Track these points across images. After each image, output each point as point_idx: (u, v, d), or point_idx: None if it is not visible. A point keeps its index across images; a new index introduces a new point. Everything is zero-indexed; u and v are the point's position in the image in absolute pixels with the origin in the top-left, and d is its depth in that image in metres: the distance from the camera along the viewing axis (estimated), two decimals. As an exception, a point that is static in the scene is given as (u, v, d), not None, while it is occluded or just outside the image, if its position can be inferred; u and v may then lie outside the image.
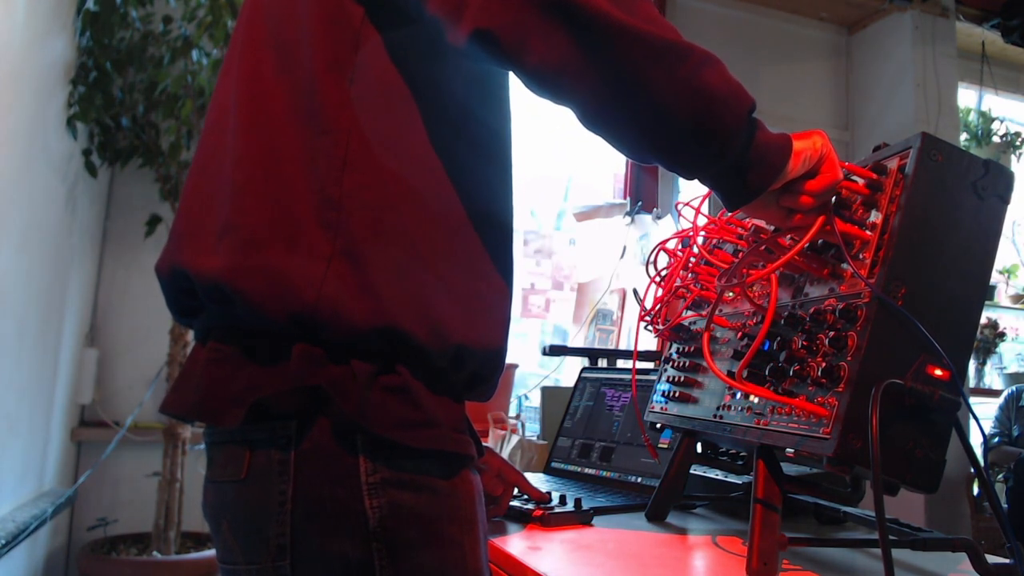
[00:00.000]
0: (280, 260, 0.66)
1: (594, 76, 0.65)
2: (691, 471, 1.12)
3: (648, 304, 1.11)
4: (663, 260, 1.08)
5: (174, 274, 0.73)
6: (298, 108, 0.70)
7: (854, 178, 0.84)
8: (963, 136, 3.52)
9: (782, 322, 0.86)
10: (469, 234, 0.74)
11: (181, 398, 0.72)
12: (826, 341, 0.79)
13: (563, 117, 0.72)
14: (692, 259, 1.03)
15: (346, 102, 0.69)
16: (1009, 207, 0.84)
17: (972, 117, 3.59)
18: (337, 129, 0.69)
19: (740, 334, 0.96)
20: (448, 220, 0.73)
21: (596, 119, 0.70)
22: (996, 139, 3.55)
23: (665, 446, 1.26)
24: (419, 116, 0.72)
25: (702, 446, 1.17)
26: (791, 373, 0.81)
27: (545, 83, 0.67)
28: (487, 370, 0.76)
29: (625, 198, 2.88)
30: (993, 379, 3.79)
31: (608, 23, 0.63)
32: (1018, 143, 3.57)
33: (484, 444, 0.92)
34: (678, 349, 1.10)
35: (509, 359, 0.87)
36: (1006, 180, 0.83)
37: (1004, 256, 3.90)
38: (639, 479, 1.29)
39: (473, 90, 0.76)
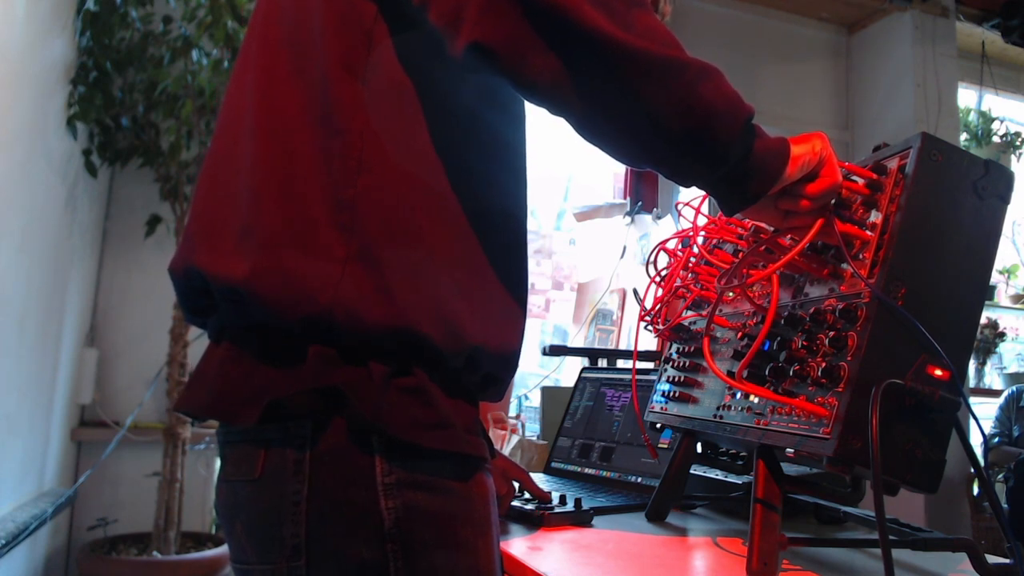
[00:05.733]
0: (295, 262, 0.67)
1: (588, 92, 0.66)
2: (691, 471, 1.12)
3: (648, 304, 1.11)
4: (663, 260, 1.08)
5: (188, 274, 0.73)
6: (312, 109, 0.70)
7: (854, 178, 0.84)
8: (963, 136, 3.52)
9: (782, 322, 0.86)
10: (482, 236, 0.74)
11: (195, 397, 0.72)
12: (826, 341, 0.79)
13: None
14: (692, 259, 1.03)
15: (359, 103, 0.69)
16: (1009, 207, 0.84)
17: (972, 117, 3.58)
18: (350, 130, 0.69)
19: (740, 334, 0.96)
20: (461, 222, 0.73)
21: (591, 132, 0.70)
22: (996, 139, 3.54)
23: (665, 446, 1.26)
24: (430, 119, 0.72)
25: (702, 446, 1.16)
26: (791, 373, 0.81)
27: (540, 96, 0.67)
28: (501, 371, 0.77)
29: (625, 198, 2.88)
30: (993, 379, 3.79)
31: (602, 40, 0.63)
32: (1018, 143, 3.56)
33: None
34: (678, 349, 1.10)
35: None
36: (1006, 180, 0.83)
37: (1004, 256, 3.90)
38: (639, 479, 1.29)
39: (483, 96, 0.77)
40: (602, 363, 1.75)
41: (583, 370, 1.57)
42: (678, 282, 1.06)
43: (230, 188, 0.74)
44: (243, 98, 0.77)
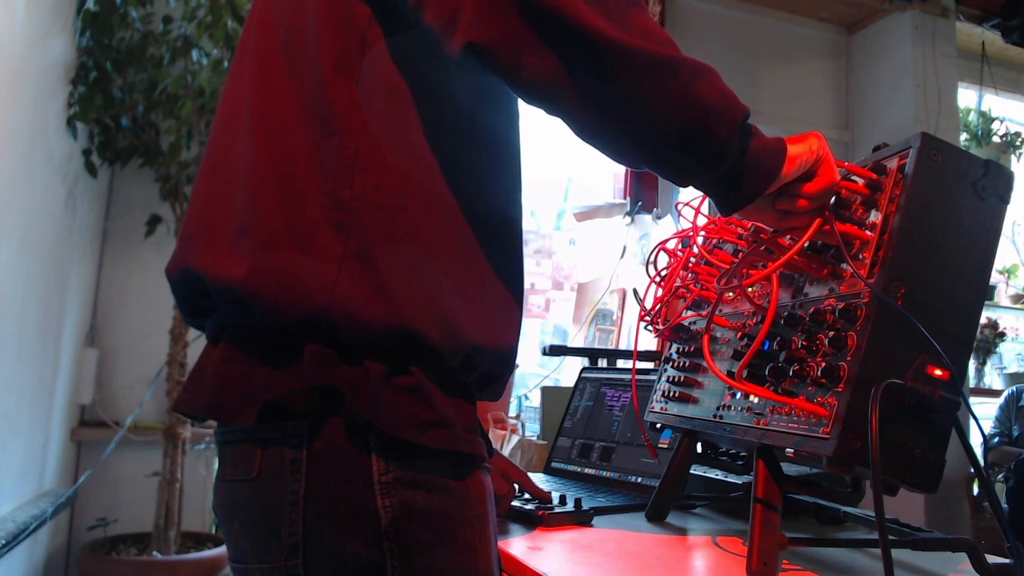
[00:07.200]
0: (293, 262, 0.67)
1: (585, 92, 0.65)
2: (691, 471, 1.12)
3: (648, 304, 1.11)
4: (663, 260, 1.08)
5: (186, 276, 0.73)
6: (308, 110, 0.71)
7: (854, 178, 0.84)
8: (963, 136, 3.52)
9: (782, 322, 0.86)
10: (479, 235, 0.74)
11: (194, 397, 0.72)
12: (826, 341, 0.79)
13: (563, 118, 0.72)
14: (692, 259, 1.03)
15: (354, 103, 0.69)
16: (1009, 207, 0.84)
17: (972, 117, 3.58)
18: (346, 130, 0.69)
19: (740, 334, 0.96)
20: (458, 221, 0.73)
21: (588, 133, 0.70)
22: (996, 139, 3.55)
23: (665, 446, 1.26)
24: (425, 119, 0.72)
25: (702, 446, 1.16)
26: (791, 373, 0.81)
27: (537, 97, 0.67)
28: (499, 370, 0.77)
29: (625, 198, 2.88)
30: (993, 379, 3.79)
31: (599, 39, 0.63)
32: (1018, 143, 3.56)
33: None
34: (678, 349, 1.10)
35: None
36: (1006, 180, 0.83)
37: (1004, 256, 3.90)
38: (639, 479, 1.29)
39: (478, 95, 0.77)
40: (602, 363, 1.75)
41: (583, 370, 1.57)
42: (678, 282, 1.06)
43: (227, 189, 0.74)
44: (240, 98, 0.77)
